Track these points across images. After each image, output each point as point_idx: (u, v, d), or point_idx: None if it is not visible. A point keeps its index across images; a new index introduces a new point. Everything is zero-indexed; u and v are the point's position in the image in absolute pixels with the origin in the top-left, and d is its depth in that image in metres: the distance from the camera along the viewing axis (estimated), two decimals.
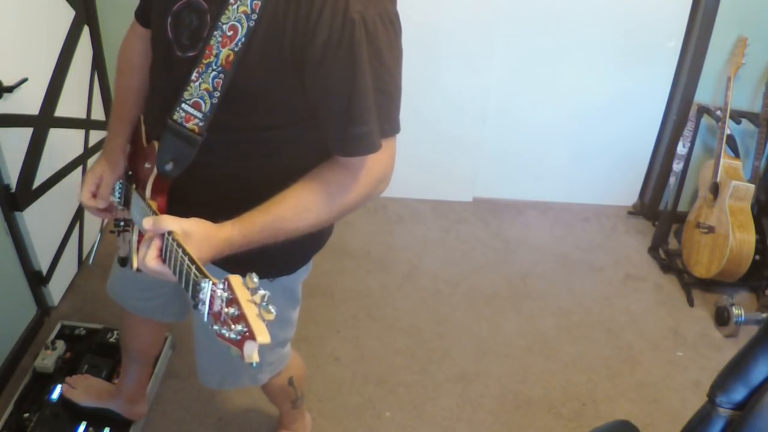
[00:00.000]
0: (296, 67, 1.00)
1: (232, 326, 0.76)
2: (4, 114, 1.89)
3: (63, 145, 2.29)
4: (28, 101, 2.02)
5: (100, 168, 1.30)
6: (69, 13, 2.29)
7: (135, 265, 1.03)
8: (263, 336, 0.74)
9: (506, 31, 2.79)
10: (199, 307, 0.82)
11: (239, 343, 0.75)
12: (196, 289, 0.84)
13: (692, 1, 2.74)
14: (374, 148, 1.03)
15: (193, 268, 0.86)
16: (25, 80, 1.90)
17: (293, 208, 1.05)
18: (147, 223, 0.97)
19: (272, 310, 0.76)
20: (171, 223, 0.96)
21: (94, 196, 1.30)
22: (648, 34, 2.82)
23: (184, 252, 0.90)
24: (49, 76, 2.14)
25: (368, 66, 0.98)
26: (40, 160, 2.13)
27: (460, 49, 2.81)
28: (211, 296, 0.80)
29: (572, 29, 2.81)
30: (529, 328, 2.49)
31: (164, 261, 0.96)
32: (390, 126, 1.06)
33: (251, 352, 0.74)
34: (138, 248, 1.01)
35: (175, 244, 0.92)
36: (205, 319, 0.82)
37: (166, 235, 0.95)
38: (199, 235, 0.97)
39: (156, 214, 1.07)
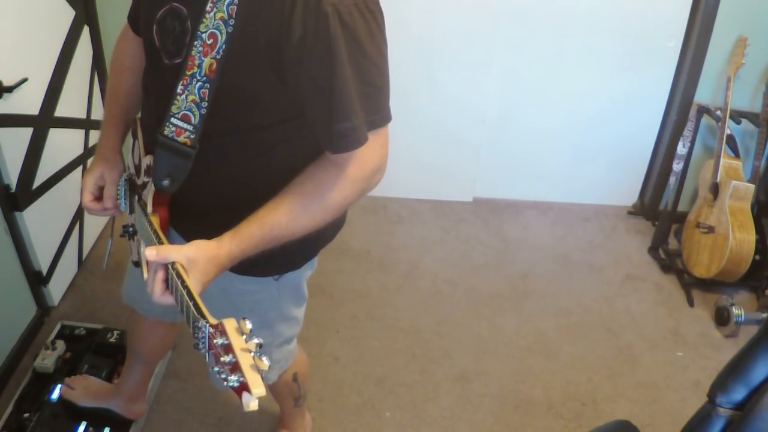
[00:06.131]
0: (274, 66, 0.99)
1: (230, 375, 0.78)
2: (4, 114, 1.89)
3: (63, 145, 2.29)
4: (28, 101, 2.02)
5: (99, 168, 1.29)
6: (69, 13, 2.28)
7: (146, 275, 1.05)
8: (259, 389, 0.76)
9: (506, 31, 2.79)
10: (199, 347, 0.85)
11: (237, 391, 0.77)
12: (195, 329, 0.86)
13: (692, 1, 2.73)
14: (360, 143, 1.02)
15: (191, 304, 0.88)
16: (25, 80, 1.90)
17: (287, 214, 1.05)
18: (150, 254, 0.98)
19: (266, 361, 0.78)
20: (173, 253, 0.98)
21: (96, 198, 1.30)
22: (648, 34, 2.82)
23: (183, 285, 0.92)
24: (49, 76, 2.14)
25: (347, 59, 0.96)
26: (40, 160, 2.13)
27: (460, 49, 2.81)
28: (209, 339, 0.82)
29: (572, 30, 2.81)
30: (529, 328, 2.49)
31: (169, 291, 0.99)
32: (379, 116, 1.05)
33: (249, 402, 0.76)
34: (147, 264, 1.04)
35: (174, 274, 0.95)
36: (207, 359, 0.84)
37: (169, 266, 0.97)
38: (203, 258, 0.99)
39: (157, 235, 1.09)
